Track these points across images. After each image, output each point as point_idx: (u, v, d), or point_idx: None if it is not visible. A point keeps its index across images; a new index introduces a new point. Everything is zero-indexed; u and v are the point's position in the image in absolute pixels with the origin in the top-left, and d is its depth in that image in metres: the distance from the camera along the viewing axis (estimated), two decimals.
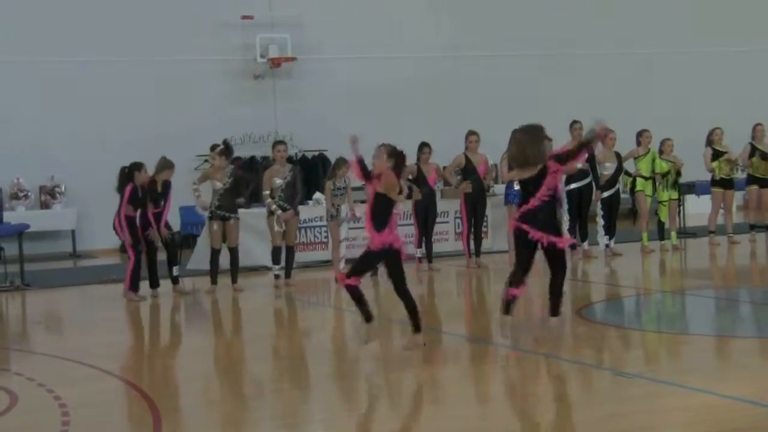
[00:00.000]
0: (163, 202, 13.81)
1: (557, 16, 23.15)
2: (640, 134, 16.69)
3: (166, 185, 13.87)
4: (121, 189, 13.41)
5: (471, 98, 21.82)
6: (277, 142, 14.90)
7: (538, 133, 9.29)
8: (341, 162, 14.37)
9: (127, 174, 13.46)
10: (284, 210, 14.22)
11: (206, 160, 18.83)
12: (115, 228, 13.51)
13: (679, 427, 6.83)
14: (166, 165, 13.90)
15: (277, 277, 14.43)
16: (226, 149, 14.06)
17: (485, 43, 22.64)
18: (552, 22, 23.09)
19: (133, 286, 13.52)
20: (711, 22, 24.04)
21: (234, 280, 14.14)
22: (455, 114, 20.53)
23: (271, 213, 14.26)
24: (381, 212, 9.14)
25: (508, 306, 9.39)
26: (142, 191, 13.48)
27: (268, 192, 14.23)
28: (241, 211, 15.85)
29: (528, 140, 9.21)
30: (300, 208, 16.40)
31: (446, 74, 22.25)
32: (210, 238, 14.20)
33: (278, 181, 14.22)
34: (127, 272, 13.54)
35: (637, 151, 16.68)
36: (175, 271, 14.03)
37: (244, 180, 14.41)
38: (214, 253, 14.09)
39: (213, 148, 14.14)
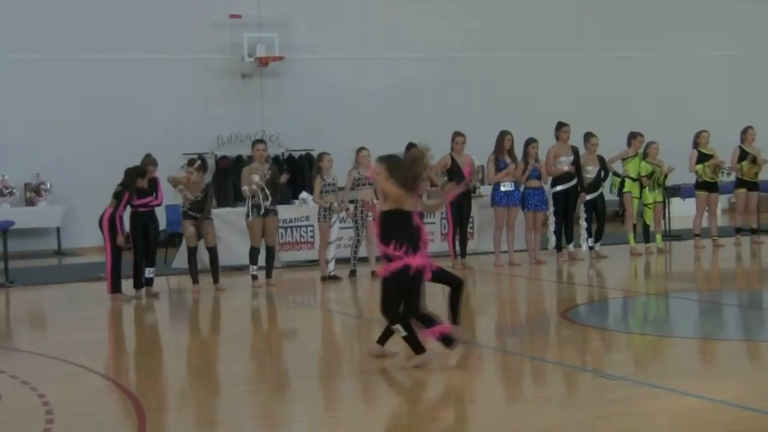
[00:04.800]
0: (154, 196, 13.80)
1: (548, 19, 23.18)
2: (633, 137, 16.72)
3: (153, 182, 13.85)
4: (124, 187, 13.38)
5: (459, 100, 21.82)
6: (257, 141, 15.07)
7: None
8: (323, 155, 14.63)
9: (134, 176, 13.43)
10: (265, 215, 14.25)
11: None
12: (101, 226, 13.46)
13: (664, 430, 6.84)
14: (150, 162, 13.91)
15: (254, 277, 14.41)
16: (203, 165, 14.10)
17: (474, 45, 22.66)
18: (543, 25, 23.11)
19: (117, 287, 13.50)
20: (702, 26, 24.08)
21: (215, 280, 14.09)
22: (442, 115, 20.52)
23: (251, 212, 14.25)
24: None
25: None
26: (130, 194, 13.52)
27: (246, 188, 14.28)
28: (226, 210, 15.89)
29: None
30: (286, 207, 16.42)
31: (434, 75, 22.26)
32: (185, 238, 14.22)
33: (256, 179, 14.28)
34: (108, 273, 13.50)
35: (627, 153, 16.74)
36: (148, 273, 13.79)
37: (212, 195, 14.38)
38: (190, 252, 14.06)
39: (191, 162, 14.09)
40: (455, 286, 9.33)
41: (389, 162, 8.65)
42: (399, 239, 8.52)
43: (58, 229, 20.14)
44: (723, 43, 24.04)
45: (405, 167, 8.61)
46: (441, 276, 9.24)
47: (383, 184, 8.58)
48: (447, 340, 8.89)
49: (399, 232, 8.55)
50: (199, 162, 14.09)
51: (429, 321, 8.89)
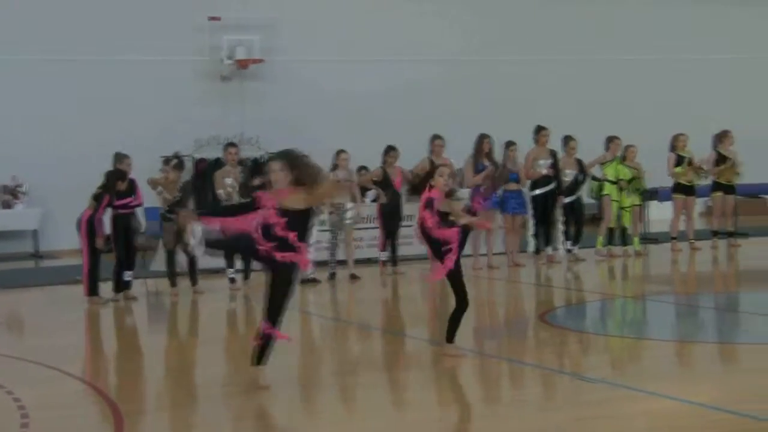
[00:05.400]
0: (133, 197, 13.76)
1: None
2: (610, 140, 16.79)
3: (131, 183, 13.78)
4: (103, 189, 13.35)
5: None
6: (229, 144, 15.07)
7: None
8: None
9: (114, 179, 13.41)
10: None
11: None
12: (79, 229, 13.39)
13: None
14: (123, 157, 13.84)
15: (232, 281, 14.40)
16: (180, 163, 14.02)
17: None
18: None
19: (93, 290, 13.45)
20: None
21: (194, 283, 14.06)
22: (422, 118, 20.50)
23: None
24: None
25: None
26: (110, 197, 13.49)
27: (222, 191, 14.31)
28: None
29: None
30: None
31: (413, 79, 22.24)
32: (163, 241, 14.18)
33: (229, 181, 14.28)
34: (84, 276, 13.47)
35: (605, 157, 16.80)
36: (126, 276, 13.75)
37: (191, 194, 14.33)
38: (169, 255, 14.04)
39: (167, 161, 14.02)
40: (460, 301, 9.16)
41: (288, 157, 8.27)
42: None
43: (35, 232, 20.05)
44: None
45: (305, 163, 8.25)
46: (454, 281, 9.06)
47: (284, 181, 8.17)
48: (263, 347, 8.15)
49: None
50: (175, 161, 14.01)
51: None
